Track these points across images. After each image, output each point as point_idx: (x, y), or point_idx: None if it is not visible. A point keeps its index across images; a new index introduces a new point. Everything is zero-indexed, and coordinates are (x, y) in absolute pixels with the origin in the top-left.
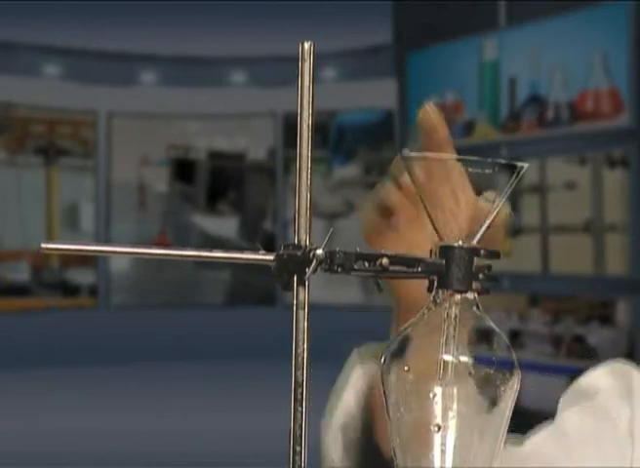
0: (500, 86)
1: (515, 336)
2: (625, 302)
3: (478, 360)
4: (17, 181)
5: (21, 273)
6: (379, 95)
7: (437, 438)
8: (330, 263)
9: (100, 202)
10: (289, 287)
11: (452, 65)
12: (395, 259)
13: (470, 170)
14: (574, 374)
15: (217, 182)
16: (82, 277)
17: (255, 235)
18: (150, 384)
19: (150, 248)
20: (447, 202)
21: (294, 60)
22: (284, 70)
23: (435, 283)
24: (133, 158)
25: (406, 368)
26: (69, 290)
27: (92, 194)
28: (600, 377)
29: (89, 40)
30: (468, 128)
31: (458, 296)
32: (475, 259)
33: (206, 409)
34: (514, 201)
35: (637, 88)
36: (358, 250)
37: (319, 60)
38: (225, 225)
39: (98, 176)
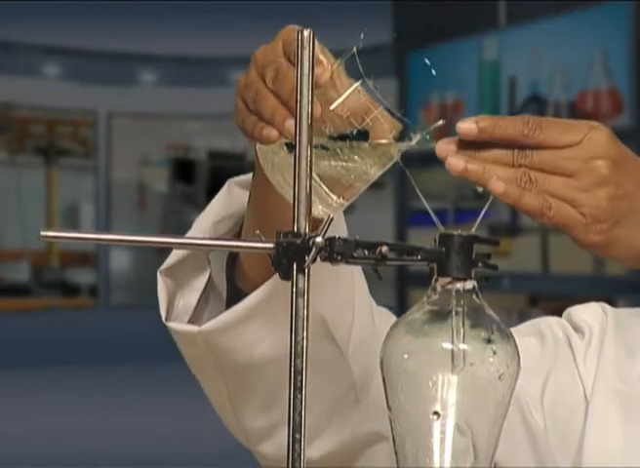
0: (500, 86)
1: None
2: (625, 302)
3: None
4: (17, 181)
5: (21, 273)
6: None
7: (436, 425)
8: (329, 251)
9: (100, 202)
10: (288, 275)
11: (452, 65)
12: (395, 247)
13: None
14: None
15: (217, 182)
16: (82, 277)
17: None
18: (150, 384)
19: (150, 236)
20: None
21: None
22: None
23: (435, 270)
24: (133, 158)
25: (405, 356)
26: (69, 289)
27: (92, 194)
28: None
29: (89, 40)
30: None
31: (457, 284)
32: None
33: (206, 409)
34: None
35: (637, 88)
36: (358, 238)
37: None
38: None
39: (98, 176)
